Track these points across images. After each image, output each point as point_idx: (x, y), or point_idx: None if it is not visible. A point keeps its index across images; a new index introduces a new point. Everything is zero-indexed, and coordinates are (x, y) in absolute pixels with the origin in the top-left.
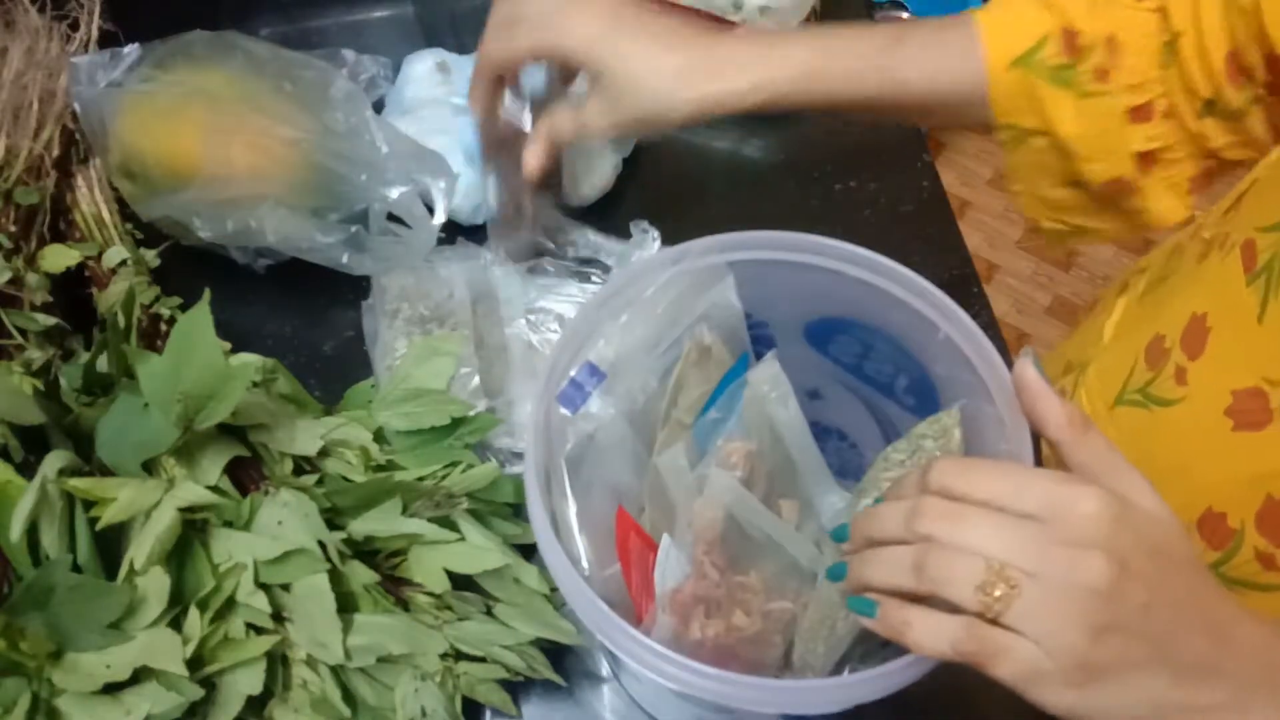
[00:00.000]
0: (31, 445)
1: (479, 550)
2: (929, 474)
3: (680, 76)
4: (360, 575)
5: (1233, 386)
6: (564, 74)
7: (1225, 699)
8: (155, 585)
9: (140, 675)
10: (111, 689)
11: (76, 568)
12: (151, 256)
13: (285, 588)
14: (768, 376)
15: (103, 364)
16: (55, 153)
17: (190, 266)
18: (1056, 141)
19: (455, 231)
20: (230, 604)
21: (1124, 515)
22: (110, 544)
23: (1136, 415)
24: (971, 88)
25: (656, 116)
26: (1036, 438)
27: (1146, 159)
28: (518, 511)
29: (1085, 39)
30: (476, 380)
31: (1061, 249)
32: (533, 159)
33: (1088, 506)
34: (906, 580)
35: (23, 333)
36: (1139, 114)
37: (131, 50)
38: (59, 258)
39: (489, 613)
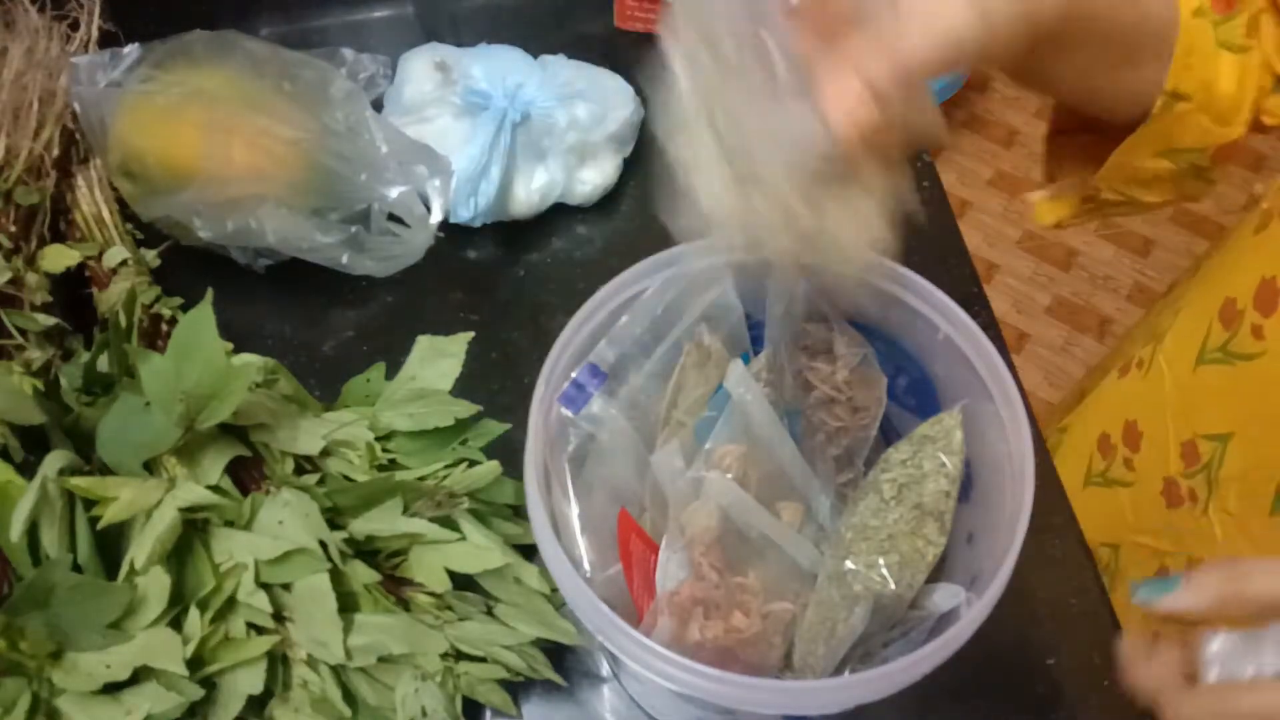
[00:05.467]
0: (31, 445)
1: (480, 550)
2: None
3: None
4: (361, 575)
5: None
6: None
7: None
8: (155, 585)
9: (140, 675)
10: (111, 689)
11: (76, 568)
12: (152, 256)
13: (286, 587)
14: (739, 378)
15: (103, 364)
16: (55, 153)
17: (190, 266)
18: (1207, 100)
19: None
20: (231, 604)
21: None
22: (110, 544)
23: (1220, 371)
24: (1169, 30)
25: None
26: (1038, 439)
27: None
28: (518, 511)
29: None
30: None
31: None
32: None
33: None
34: None
35: (23, 333)
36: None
37: (131, 50)
38: (59, 258)
39: (489, 613)
